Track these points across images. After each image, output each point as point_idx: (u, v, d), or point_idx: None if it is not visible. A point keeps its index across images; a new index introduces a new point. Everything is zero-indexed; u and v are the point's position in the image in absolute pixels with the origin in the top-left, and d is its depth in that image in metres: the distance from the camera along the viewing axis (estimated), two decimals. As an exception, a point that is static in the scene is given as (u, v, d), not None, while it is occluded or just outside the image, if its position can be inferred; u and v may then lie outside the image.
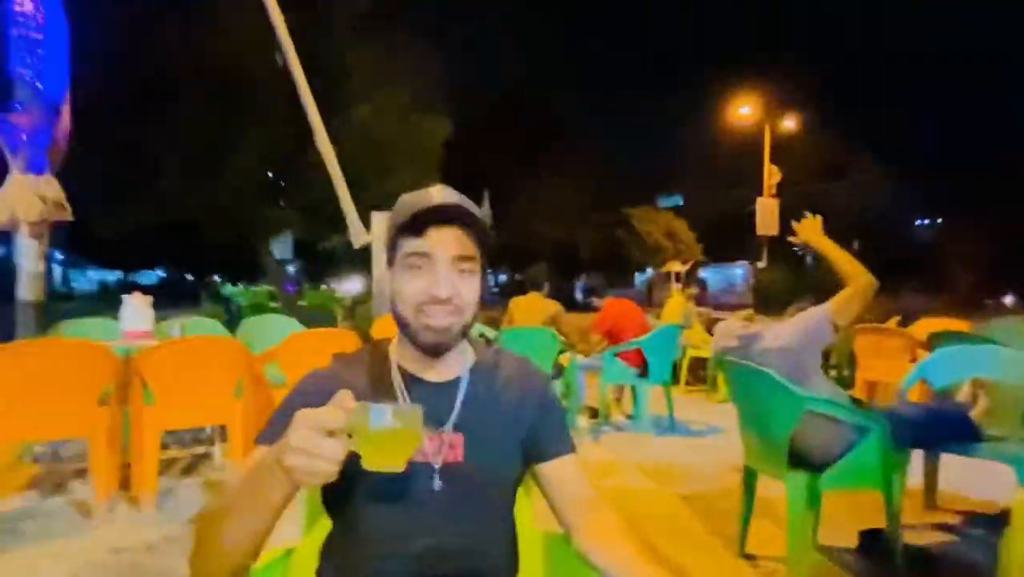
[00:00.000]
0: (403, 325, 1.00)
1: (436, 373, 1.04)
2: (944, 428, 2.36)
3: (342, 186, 5.38)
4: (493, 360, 1.11)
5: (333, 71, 10.83)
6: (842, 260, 2.23)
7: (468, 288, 0.99)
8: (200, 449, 3.93)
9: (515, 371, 1.11)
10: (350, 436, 0.74)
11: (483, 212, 1.06)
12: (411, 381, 1.03)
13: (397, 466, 0.77)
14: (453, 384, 1.04)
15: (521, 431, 1.06)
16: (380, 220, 5.80)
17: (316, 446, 0.72)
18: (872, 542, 2.45)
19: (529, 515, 1.16)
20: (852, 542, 2.51)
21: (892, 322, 5.77)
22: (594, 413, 4.91)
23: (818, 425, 2.19)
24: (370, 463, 0.75)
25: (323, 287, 24.10)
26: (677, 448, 4.23)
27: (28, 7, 4.02)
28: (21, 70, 4.04)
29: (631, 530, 0.97)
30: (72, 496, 3.06)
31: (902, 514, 2.27)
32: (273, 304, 16.75)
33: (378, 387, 1.02)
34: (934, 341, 3.79)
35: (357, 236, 5.43)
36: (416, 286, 0.97)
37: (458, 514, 0.98)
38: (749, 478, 2.53)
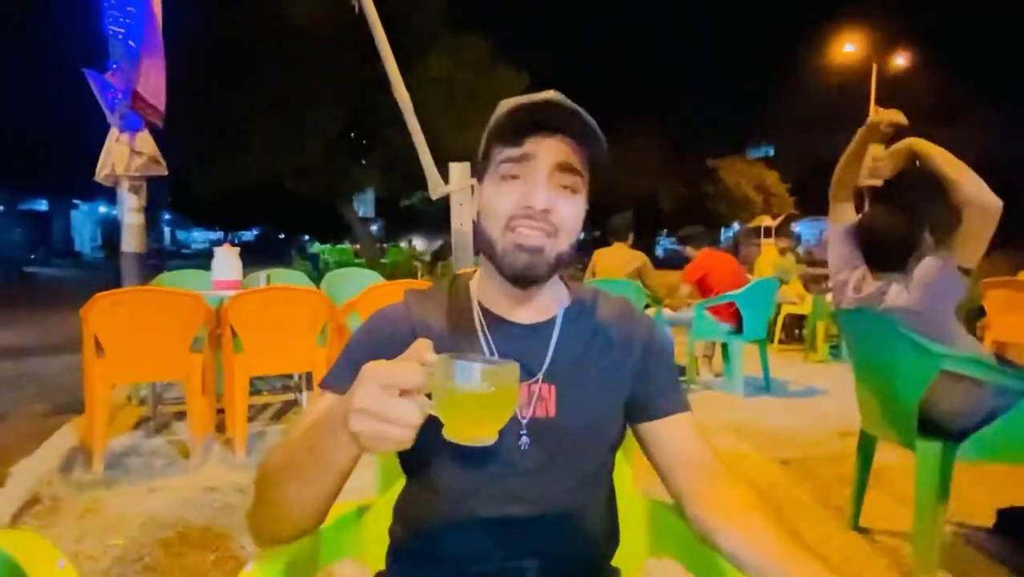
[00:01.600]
0: (489, 248, 0.85)
1: (525, 314, 0.89)
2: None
3: (419, 136, 5.26)
4: (591, 301, 0.94)
5: (408, 24, 10.67)
6: (948, 164, 1.87)
7: (568, 207, 0.82)
8: (290, 396, 4.06)
9: (617, 314, 0.94)
10: (429, 396, 0.60)
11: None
12: (495, 322, 0.88)
13: (487, 437, 0.61)
14: (545, 327, 0.89)
15: (625, 383, 0.90)
16: (458, 170, 5.68)
17: (386, 408, 0.57)
18: (1013, 522, 2.15)
19: (630, 480, 1.01)
20: (987, 521, 2.21)
21: (1023, 275, 5.11)
22: (681, 371, 4.67)
23: (955, 388, 1.89)
24: (453, 432, 0.60)
25: (403, 245, 24.65)
26: (772, 410, 3.95)
27: (118, -36, 4.09)
28: (115, 28, 4.14)
29: (767, 505, 0.79)
30: (172, 437, 3.22)
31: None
32: (357, 261, 17.33)
33: (457, 328, 0.88)
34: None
35: (435, 188, 5.33)
36: (509, 199, 0.81)
37: (549, 477, 0.83)
38: (866, 444, 2.26)
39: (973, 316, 4.92)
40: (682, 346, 4.59)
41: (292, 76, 12.01)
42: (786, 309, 6.13)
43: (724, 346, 4.66)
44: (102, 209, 41.13)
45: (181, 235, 57.76)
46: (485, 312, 0.89)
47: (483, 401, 0.58)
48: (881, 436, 2.19)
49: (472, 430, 0.60)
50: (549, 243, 0.82)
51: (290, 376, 4.14)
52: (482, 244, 0.86)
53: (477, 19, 13.69)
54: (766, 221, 22.72)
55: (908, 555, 2.03)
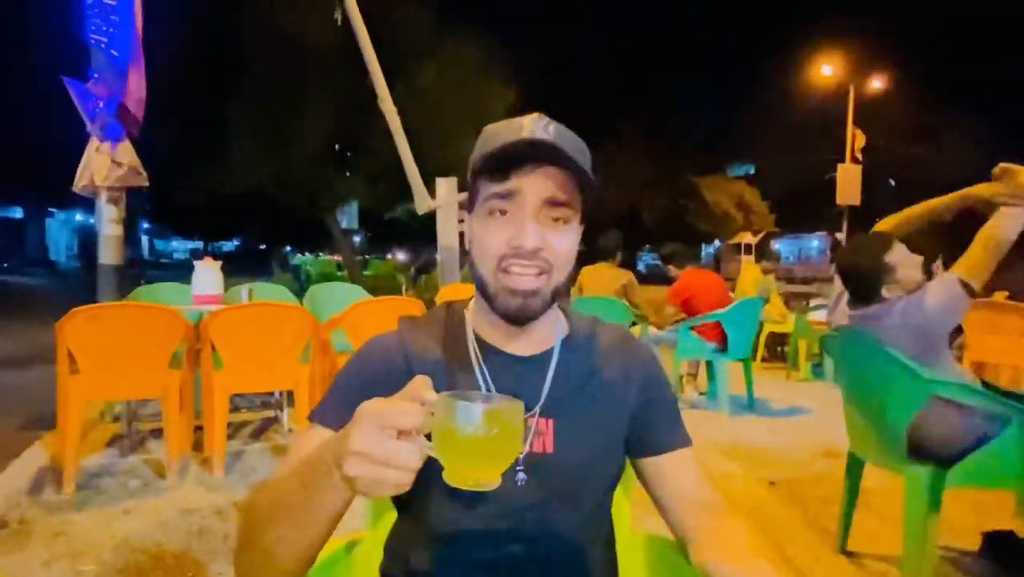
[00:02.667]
0: (481, 287, 0.82)
1: (521, 345, 0.86)
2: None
3: (406, 149, 5.24)
4: (589, 331, 0.92)
5: (395, 36, 10.69)
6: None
7: (560, 241, 0.79)
8: (269, 413, 3.97)
9: (616, 344, 0.91)
10: (429, 437, 0.57)
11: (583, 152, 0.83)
12: (491, 353, 0.85)
13: (490, 481, 0.58)
14: (542, 359, 0.86)
15: (624, 417, 0.87)
16: (444, 185, 5.67)
17: (384, 452, 0.54)
18: (998, 546, 2.15)
19: (628, 516, 0.98)
20: (972, 544, 2.22)
21: (999, 296, 5.20)
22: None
23: (944, 413, 1.89)
24: (454, 476, 0.57)
25: (388, 257, 24.53)
26: (757, 429, 3.95)
27: (100, -27, 4.03)
28: (96, 37, 4.08)
29: (769, 545, 0.76)
30: (148, 455, 3.12)
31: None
32: (340, 273, 17.18)
33: (452, 360, 0.85)
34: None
35: (421, 201, 5.31)
36: (499, 237, 0.78)
37: (545, 515, 0.80)
38: (853, 467, 2.26)
39: (952, 336, 4.99)
40: (667, 364, 4.59)
41: (278, 86, 11.95)
42: (768, 327, 6.17)
43: (708, 364, 4.67)
44: (78, 217, 40.40)
45: (160, 245, 56.88)
46: (480, 343, 0.87)
47: (486, 444, 0.56)
48: (869, 459, 2.19)
49: (474, 473, 0.57)
50: (543, 281, 0.79)
51: (270, 393, 4.05)
52: (475, 280, 0.84)
53: (465, 33, 13.74)
54: (747, 238, 23.07)
55: (897, 580, 2.02)
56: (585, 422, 0.84)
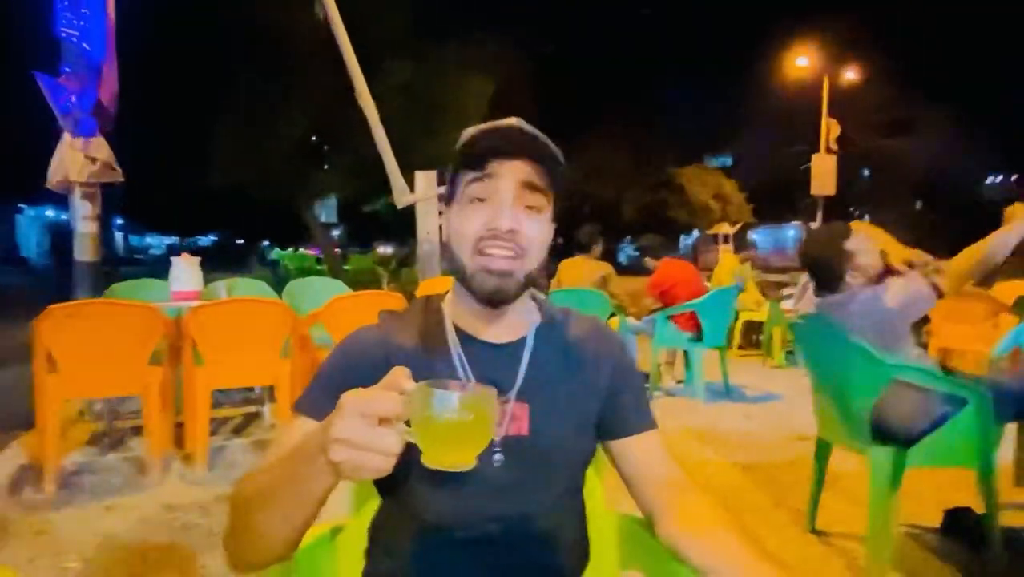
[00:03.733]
0: (459, 271, 0.87)
1: (497, 333, 0.91)
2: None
3: (384, 143, 5.23)
4: (562, 320, 0.97)
5: (373, 31, 10.62)
6: None
7: (532, 227, 0.84)
8: (251, 408, 3.98)
9: (587, 333, 0.96)
10: (407, 423, 0.61)
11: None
12: (468, 342, 0.90)
13: (465, 463, 0.63)
14: (516, 346, 0.91)
15: (595, 402, 0.93)
16: (424, 179, 5.66)
17: (366, 438, 0.58)
18: (958, 522, 2.26)
19: (600, 496, 1.03)
20: (934, 521, 2.32)
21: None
22: (645, 378, 4.75)
23: (904, 395, 1.98)
24: (432, 459, 0.62)
25: (377, 250, 24.34)
26: (732, 415, 4.06)
27: (71, -35, 3.96)
28: (68, 31, 4.01)
29: (731, 517, 0.82)
30: (128, 453, 3.12)
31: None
32: (319, 267, 17.06)
33: (431, 349, 0.89)
34: (1024, 305, 3.46)
35: (400, 195, 5.31)
36: (476, 221, 0.83)
37: (522, 494, 0.85)
38: (821, 450, 2.35)
39: (918, 323, 5.15)
40: (646, 353, 4.67)
41: (257, 82, 11.82)
42: (744, 316, 6.30)
43: (685, 353, 4.76)
44: (49, 213, 39.48)
45: (134, 240, 55.85)
46: (459, 332, 0.91)
47: (461, 428, 0.60)
48: (836, 442, 2.28)
49: (451, 456, 0.62)
50: (517, 265, 0.84)
51: (251, 388, 4.05)
52: (452, 267, 0.88)
53: (443, 28, 13.68)
54: (724, 228, 23.28)
55: (862, 556, 2.11)
56: (558, 406, 0.89)
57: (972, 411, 1.92)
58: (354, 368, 0.87)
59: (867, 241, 2.08)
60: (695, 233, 32.35)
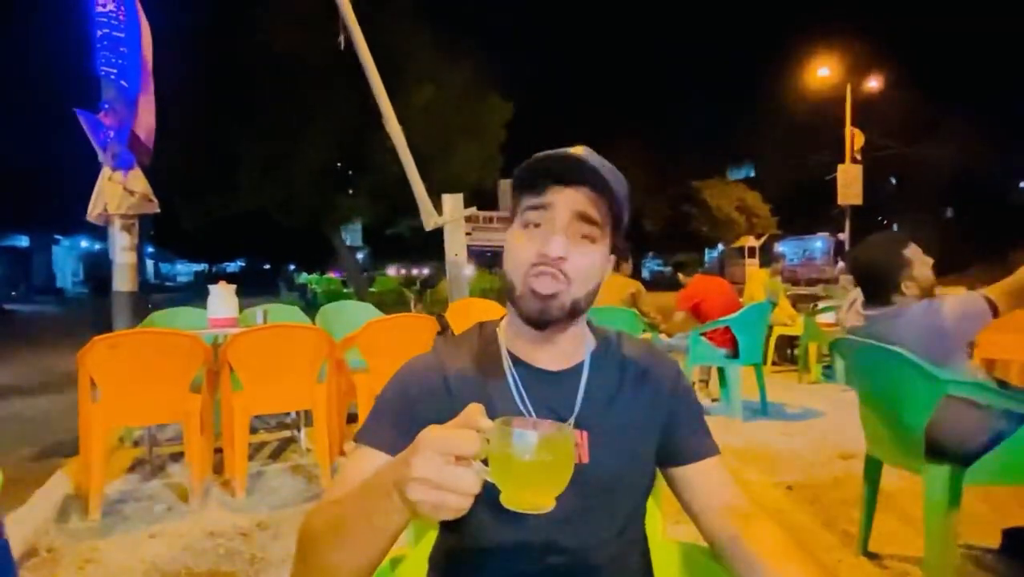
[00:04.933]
0: (511, 292, 0.87)
1: (552, 360, 0.90)
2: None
3: (412, 168, 5.31)
4: (616, 343, 0.96)
5: (394, 54, 10.83)
6: None
7: (583, 257, 0.84)
8: (286, 433, 4.00)
9: (642, 358, 0.95)
10: (484, 462, 0.60)
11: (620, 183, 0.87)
12: (524, 369, 0.89)
13: (545, 504, 0.61)
14: (572, 373, 0.90)
15: (653, 428, 0.91)
16: (450, 202, 5.72)
17: (445, 477, 0.57)
18: (1019, 542, 2.16)
19: (660, 524, 1.01)
20: (992, 541, 2.23)
21: None
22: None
23: (959, 412, 1.92)
24: (511, 500, 0.60)
25: (401, 271, 24.55)
26: (772, 433, 3.96)
27: (110, 6, 4.12)
28: (107, 69, 4.16)
29: (802, 547, 0.80)
30: (169, 479, 3.16)
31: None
32: (346, 290, 17.26)
33: (486, 375, 0.89)
34: (1075, 313, 3.33)
35: (428, 218, 5.36)
36: (530, 248, 0.84)
37: (583, 525, 0.84)
38: (872, 469, 2.28)
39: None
40: (678, 371, 4.60)
41: (282, 107, 12.12)
42: (778, 330, 6.19)
43: (720, 370, 4.68)
44: (84, 244, 40.68)
45: (165, 268, 57.22)
46: (514, 359, 0.90)
47: (541, 469, 0.59)
48: (887, 460, 2.21)
49: (531, 497, 0.60)
50: (562, 289, 0.83)
51: (286, 413, 4.09)
52: (507, 290, 0.88)
53: (463, 48, 13.90)
54: (749, 241, 23.06)
55: (920, 580, 2.03)
56: (617, 433, 0.88)
57: (1033, 427, 1.85)
58: (412, 396, 0.87)
59: (921, 253, 2.04)
60: (719, 247, 32.04)
